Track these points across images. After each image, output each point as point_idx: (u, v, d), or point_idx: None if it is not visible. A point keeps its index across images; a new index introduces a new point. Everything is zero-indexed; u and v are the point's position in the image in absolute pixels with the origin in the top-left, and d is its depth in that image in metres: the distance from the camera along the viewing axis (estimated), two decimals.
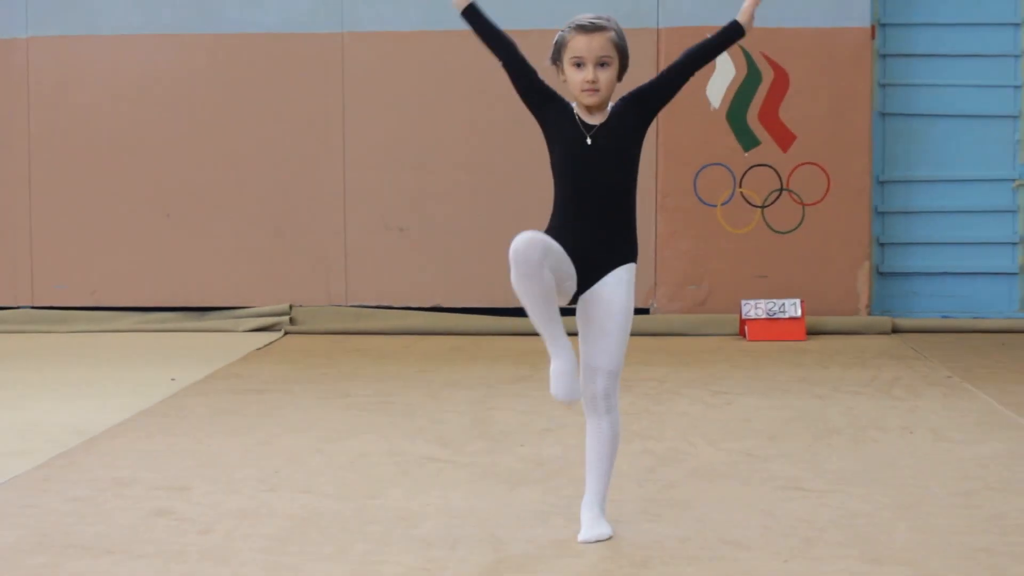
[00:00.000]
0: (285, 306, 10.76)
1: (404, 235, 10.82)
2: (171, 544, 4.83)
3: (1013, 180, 10.91)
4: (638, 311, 10.56)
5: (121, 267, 10.95)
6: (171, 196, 10.91)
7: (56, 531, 5.00)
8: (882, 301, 10.88)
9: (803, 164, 10.62)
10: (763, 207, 10.67)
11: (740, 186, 10.66)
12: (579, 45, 4.73)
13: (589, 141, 4.77)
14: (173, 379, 8.27)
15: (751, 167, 10.64)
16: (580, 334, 4.82)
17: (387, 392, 7.88)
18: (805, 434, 6.65)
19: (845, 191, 10.61)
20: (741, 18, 4.86)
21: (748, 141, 10.63)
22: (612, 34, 4.72)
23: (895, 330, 10.40)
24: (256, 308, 10.78)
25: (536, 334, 10.28)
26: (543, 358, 9.21)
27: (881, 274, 10.93)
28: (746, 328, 10.17)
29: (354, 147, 10.82)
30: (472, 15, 5.04)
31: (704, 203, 10.66)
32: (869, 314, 10.61)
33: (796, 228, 10.65)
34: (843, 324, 10.39)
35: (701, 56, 4.86)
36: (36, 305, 10.99)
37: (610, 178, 4.80)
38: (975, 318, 10.72)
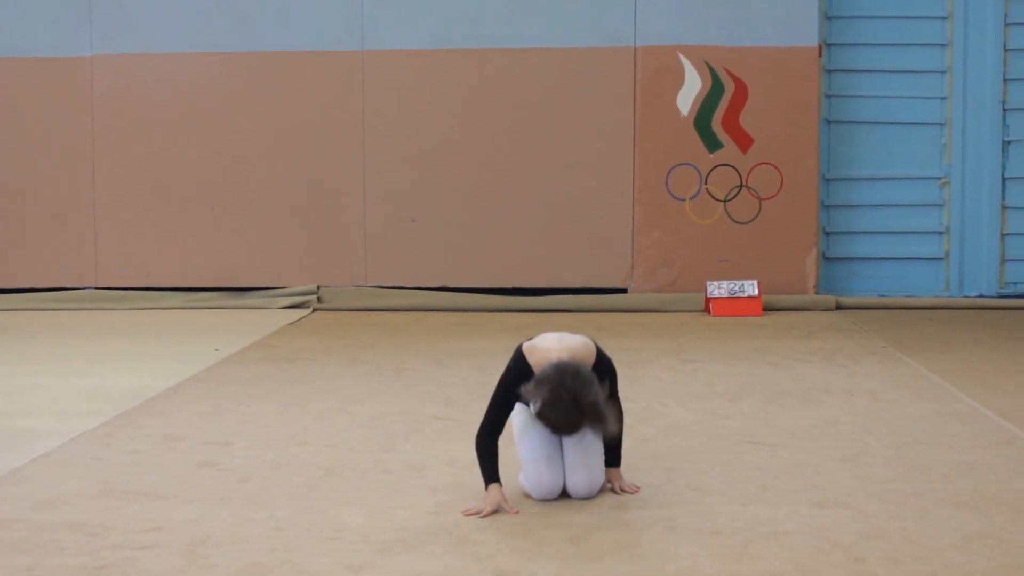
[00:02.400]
0: (313, 286, 10.76)
1: (415, 225, 10.81)
2: (216, 491, 4.84)
3: (939, 178, 10.90)
4: (618, 290, 10.64)
5: (172, 253, 10.94)
6: (215, 192, 10.90)
7: (117, 479, 5.01)
8: (827, 282, 10.88)
9: (760, 164, 10.60)
10: (725, 201, 10.66)
11: (706, 183, 10.64)
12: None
13: None
14: (217, 350, 8.27)
15: (715, 166, 10.62)
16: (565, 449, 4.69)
17: (401, 360, 7.88)
18: (761, 396, 6.65)
19: (796, 187, 10.60)
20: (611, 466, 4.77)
21: (712, 144, 10.61)
22: (587, 424, 4.42)
23: (838, 307, 10.39)
24: (288, 288, 10.78)
25: (528, 310, 10.30)
26: (536, 331, 9.24)
27: (827, 259, 10.92)
28: (710, 305, 10.16)
29: (372, 150, 10.80)
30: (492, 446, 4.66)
31: (675, 197, 10.65)
32: (816, 293, 10.61)
33: (754, 219, 10.64)
34: (794, 302, 10.39)
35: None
36: (99, 286, 10.99)
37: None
38: (907, 296, 10.73)
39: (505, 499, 4.50)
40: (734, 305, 10.10)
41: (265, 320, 9.81)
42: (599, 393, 4.36)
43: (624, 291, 10.67)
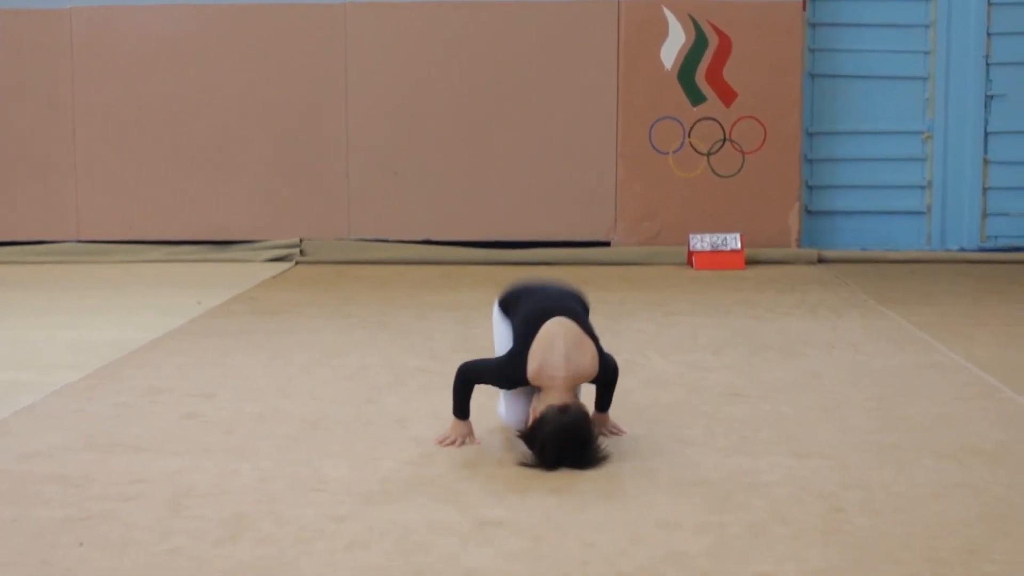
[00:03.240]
0: (296, 239, 10.73)
1: (398, 178, 10.78)
2: (199, 443, 4.86)
3: (922, 132, 10.91)
4: (601, 243, 10.64)
5: (154, 206, 10.90)
6: (196, 144, 10.84)
7: (101, 432, 5.02)
8: (810, 235, 10.90)
9: (743, 118, 10.59)
10: (708, 155, 10.65)
11: (689, 137, 10.63)
12: None
13: None
14: (199, 303, 8.26)
15: (698, 120, 10.61)
16: None
17: (384, 313, 7.89)
18: (743, 349, 6.68)
19: (779, 141, 10.60)
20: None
21: (696, 98, 10.58)
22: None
23: (821, 260, 10.42)
24: (271, 241, 10.75)
25: (511, 263, 10.31)
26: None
27: (809, 212, 10.94)
28: (693, 258, 10.18)
29: (355, 103, 10.75)
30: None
31: (658, 151, 10.63)
32: (799, 247, 10.63)
33: (737, 173, 10.64)
34: (777, 255, 10.41)
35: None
36: (81, 239, 10.95)
37: None
38: (889, 250, 10.76)
39: (472, 431, 4.76)
40: (717, 259, 10.12)
41: (248, 273, 9.79)
42: (595, 448, 4.43)
43: (607, 244, 10.68)
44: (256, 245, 10.73)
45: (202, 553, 3.68)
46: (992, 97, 10.81)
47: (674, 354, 6.54)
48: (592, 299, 8.48)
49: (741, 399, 5.52)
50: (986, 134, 10.84)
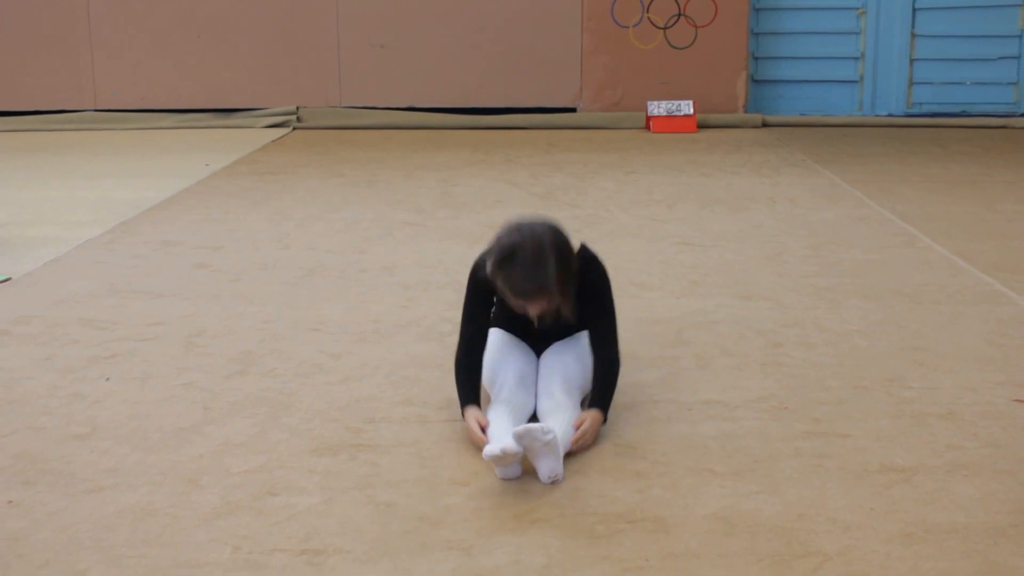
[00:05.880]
0: (293, 107, 10.59)
1: (385, 51, 10.61)
2: (209, 289, 4.85)
3: (856, 8, 10.76)
4: (568, 109, 10.54)
5: (164, 77, 10.71)
6: (202, 20, 10.62)
7: (121, 280, 5.01)
8: (755, 102, 10.82)
9: None
10: (665, 28, 10.50)
11: (647, 12, 10.46)
12: (517, 304, 3.18)
13: (536, 324, 3.35)
14: (207, 165, 8.18)
15: None
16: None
17: (373, 173, 7.83)
18: (694, 203, 6.68)
19: (729, 16, 10.44)
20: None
21: None
22: (550, 292, 3.13)
23: (765, 124, 10.36)
24: (270, 109, 10.61)
25: (487, 128, 10.17)
26: (495, 146, 9.20)
27: (755, 81, 10.84)
28: (651, 123, 10.11)
29: None
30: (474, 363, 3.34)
31: (619, 25, 10.47)
32: (745, 112, 10.56)
33: (691, 45, 10.50)
34: (725, 120, 10.34)
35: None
36: (98, 108, 10.77)
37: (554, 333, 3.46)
38: (825, 115, 10.70)
39: (479, 421, 3.15)
40: (672, 123, 10.05)
41: (250, 138, 9.68)
42: (567, 245, 3.22)
43: (573, 110, 10.58)
44: (256, 113, 10.59)
45: (214, 386, 3.70)
46: None
47: (633, 208, 6.53)
48: (559, 161, 8.43)
49: (692, 247, 5.53)
50: (914, 10, 10.71)
